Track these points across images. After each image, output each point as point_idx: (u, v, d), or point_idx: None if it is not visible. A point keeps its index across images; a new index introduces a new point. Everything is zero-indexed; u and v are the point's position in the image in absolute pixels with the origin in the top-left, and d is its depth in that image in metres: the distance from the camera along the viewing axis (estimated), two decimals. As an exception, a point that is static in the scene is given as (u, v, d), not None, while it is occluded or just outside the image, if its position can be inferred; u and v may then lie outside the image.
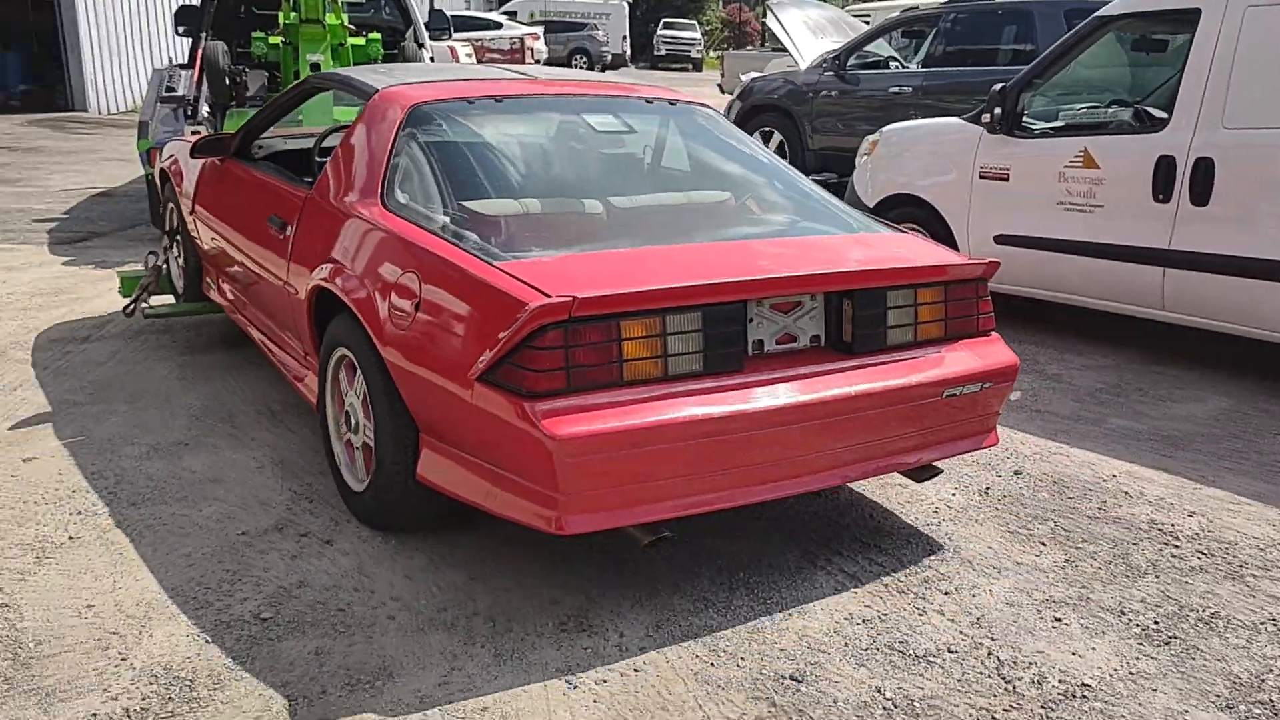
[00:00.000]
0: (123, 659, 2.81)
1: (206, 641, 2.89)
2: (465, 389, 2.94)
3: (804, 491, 3.23)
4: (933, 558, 3.44)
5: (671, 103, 4.51)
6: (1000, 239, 5.88)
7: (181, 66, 8.79)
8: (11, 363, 5.37)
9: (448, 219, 3.45)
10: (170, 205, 6.09)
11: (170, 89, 8.34)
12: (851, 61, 10.28)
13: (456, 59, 21.58)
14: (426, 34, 10.10)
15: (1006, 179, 5.85)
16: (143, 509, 3.70)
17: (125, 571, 3.27)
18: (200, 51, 8.36)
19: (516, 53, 24.78)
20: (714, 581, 3.26)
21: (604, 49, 34.58)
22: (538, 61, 27.45)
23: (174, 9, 11.65)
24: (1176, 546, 3.53)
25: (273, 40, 8.17)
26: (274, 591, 3.16)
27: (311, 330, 3.92)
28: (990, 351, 3.51)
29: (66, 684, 2.70)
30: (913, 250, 3.62)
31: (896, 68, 10.56)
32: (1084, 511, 3.80)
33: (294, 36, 7.95)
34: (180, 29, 9.15)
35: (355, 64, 8.11)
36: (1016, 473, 4.16)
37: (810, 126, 10.39)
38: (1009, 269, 5.89)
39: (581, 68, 33.96)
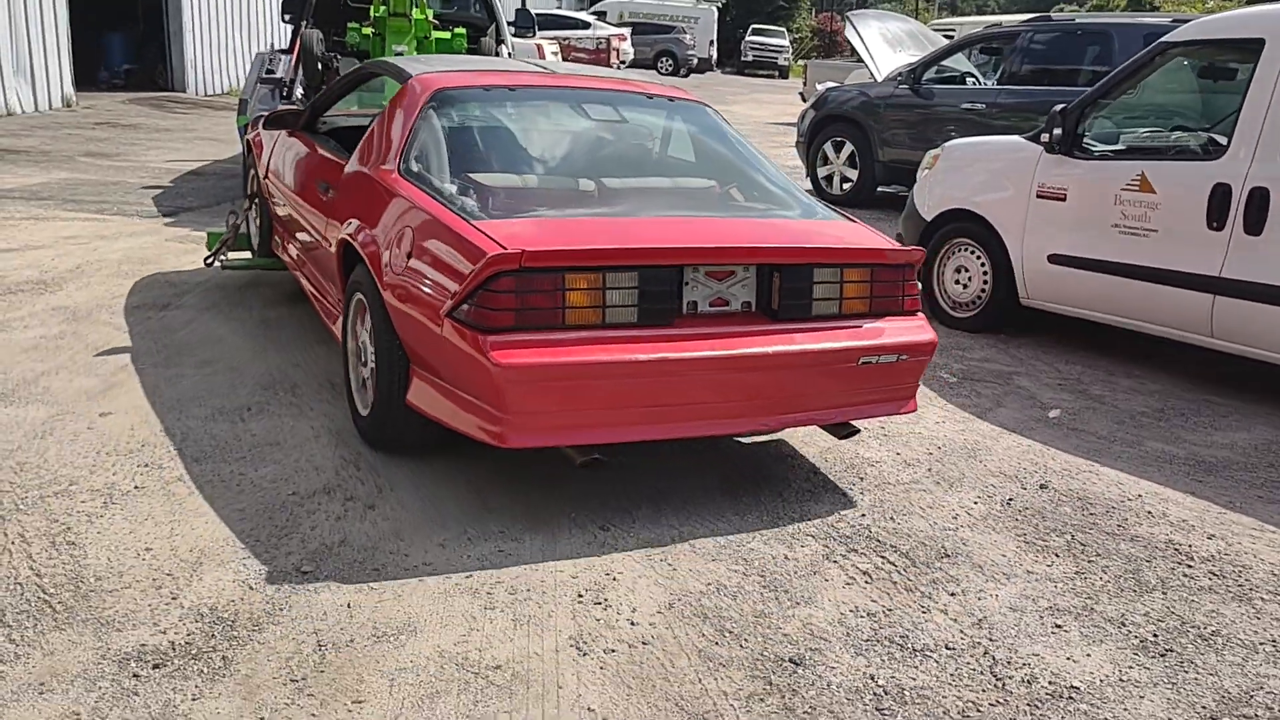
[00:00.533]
0: (173, 598, 3.05)
1: (250, 588, 3.12)
2: (438, 325, 3.54)
3: (724, 434, 3.91)
4: (946, 560, 3.55)
5: (671, 99, 5.04)
6: (1054, 259, 5.92)
7: (282, 51, 9.61)
8: (97, 325, 5.70)
9: (452, 187, 4.03)
10: (252, 172, 6.81)
11: (270, 71, 9.19)
12: (927, 76, 10.32)
13: (543, 56, 21.92)
14: (509, 31, 10.68)
15: (1063, 199, 5.89)
16: (205, 465, 3.96)
17: (183, 520, 3.52)
18: (298, 38, 8.94)
19: (602, 52, 25.08)
20: (730, 569, 3.41)
21: (690, 53, 34.74)
22: (623, 63, 27.73)
23: None
24: (1189, 566, 3.59)
25: (365, 31, 8.75)
26: (317, 548, 3.39)
27: (340, 278, 4.52)
28: (910, 328, 3.98)
29: (122, 617, 2.94)
30: (850, 235, 4.09)
31: (973, 84, 10.58)
32: (1103, 527, 3.87)
33: (383, 28, 8.53)
34: (285, 16, 9.99)
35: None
36: (1042, 486, 4.23)
37: (881, 139, 10.45)
38: (1062, 289, 5.94)
39: (666, 71, 34.19)
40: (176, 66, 19.30)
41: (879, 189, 10.91)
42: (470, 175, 4.17)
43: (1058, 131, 5.85)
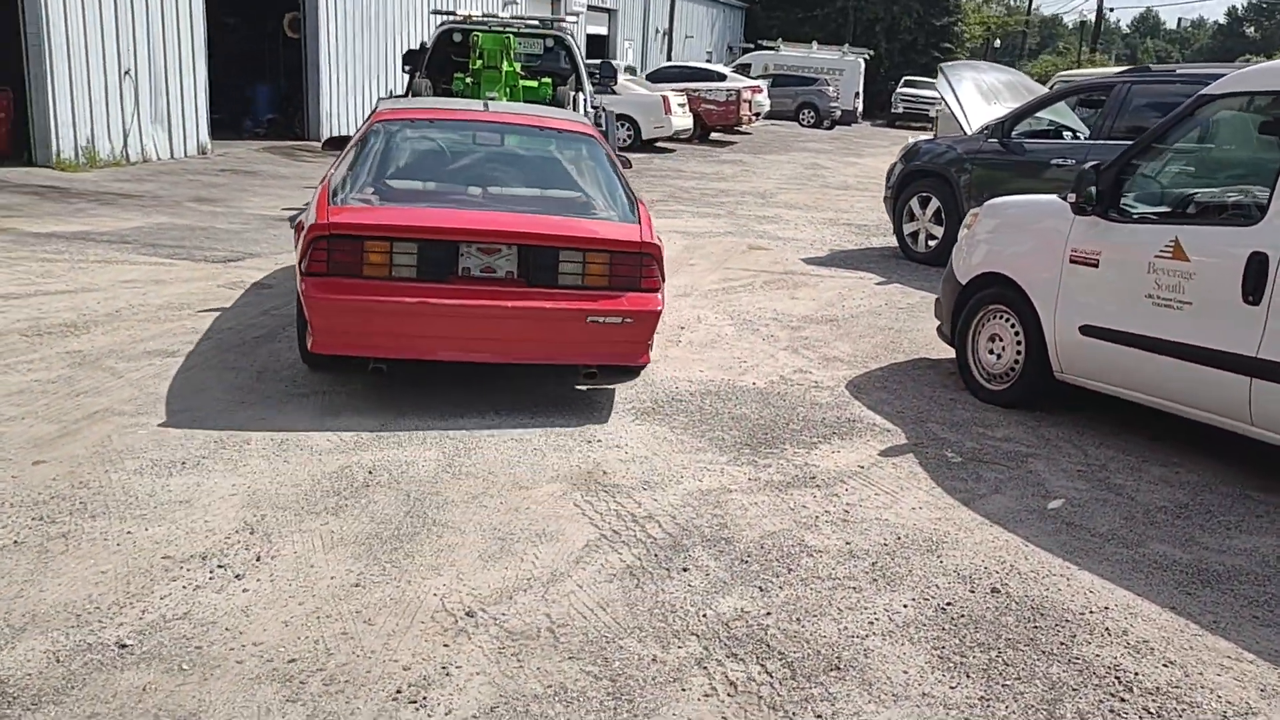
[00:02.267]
0: (-28, 667, 2.93)
1: (57, 661, 2.98)
2: (300, 279, 5.15)
3: (480, 361, 5.38)
4: (833, 675, 3.13)
5: (559, 131, 6.49)
6: (1086, 330, 5.36)
7: (399, 97, 11.41)
8: (97, 370, 5.78)
9: (366, 185, 5.63)
10: None
11: None
12: (1020, 129, 9.73)
13: (668, 108, 22.01)
14: (588, 81, 11.85)
15: (1096, 265, 5.33)
16: (99, 521, 3.88)
17: (37, 581, 3.42)
18: (410, 86, 11.15)
19: (732, 105, 24.91)
20: (584, 669, 3.08)
21: (833, 104, 34.29)
22: (757, 115, 27.55)
23: (402, 52, 16.23)
24: (1122, 700, 3.06)
25: (466, 79, 10.81)
26: (153, 620, 3.23)
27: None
28: (639, 300, 5.25)
29: (-88, 683, 2.83)
30: (604, 230, 5.42)
31: (1070, 138, 9.92)
32: (1042, 645, 3.36)
33: (479, 77, 10.67)
34: (405, 67, 12.36)
35: (526, 102, 10.60)
36: (994, 591, 3.74)
37: (966, 195, 9.88)
38: (1094, 363, 5.38)
39: (807, 123, 33.83)
40: (312, 116, 20.10)
41: (965, 247, 10.30)
42: (387, 180, 5.77)
43: (1091, 190, 5.31)
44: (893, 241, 11.27)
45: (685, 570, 3.77)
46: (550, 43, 12.56)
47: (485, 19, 12.41)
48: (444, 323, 5.13)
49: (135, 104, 15.43)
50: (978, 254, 6.15)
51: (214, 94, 17.43)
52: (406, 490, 4.35)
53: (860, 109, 38.43)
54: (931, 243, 10.38)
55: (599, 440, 5.07)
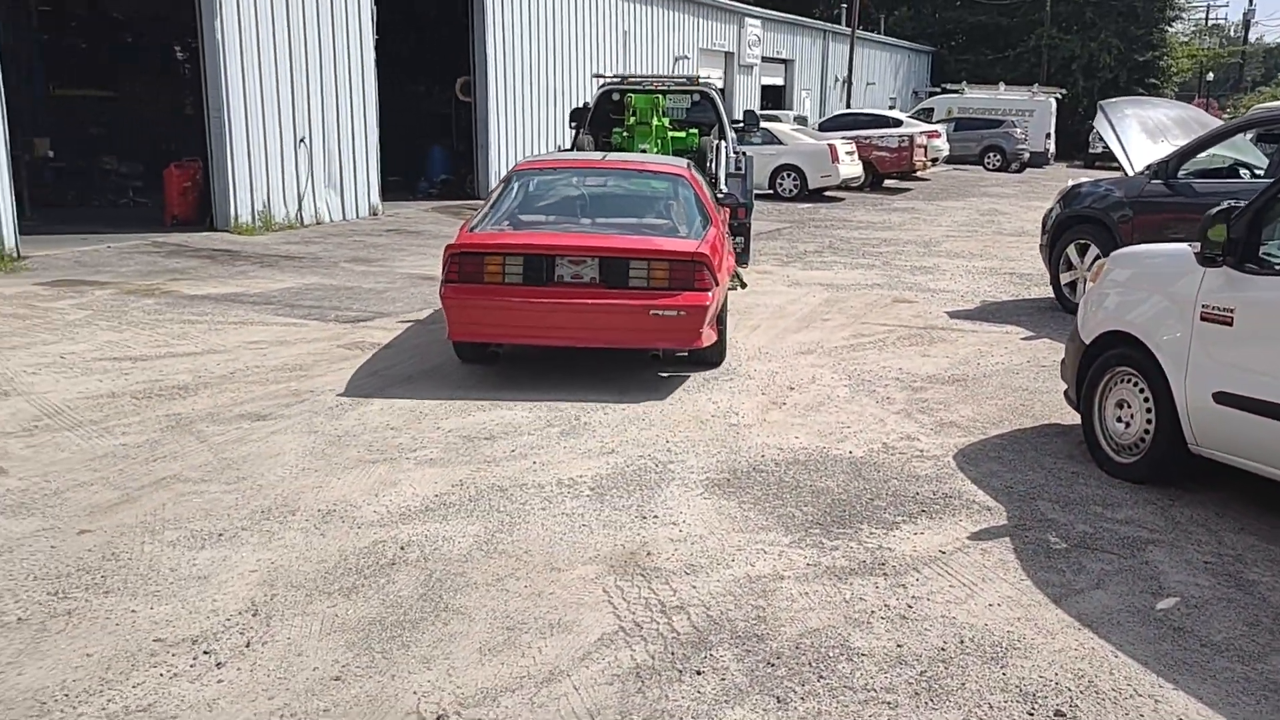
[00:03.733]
0: (-85, 756, 2.85)
1: (-3, 754, 2.86)
2: (440, 287, 6.93)
3: (568, 345, 7.11)
4: (826, 817, 2.66)
5: (655, 172, 8.25)
6: (1221, 397, 4.65)
7: (565, 150, 13.34)
8: (185, 435, 5.86)
9: (502, 218, 7.49)
10: None
11: None
12: (1187, 168, 8.85)
13: (836, 156, 21.54)
14: (731, 130, 12.99)
15: (1230, 323, 4.63)
16: (110, 598, 3.81)
17: (22, 661, 3.35)
18: (576, 140, 12.82)
19: (904, 150, 24.13)
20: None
21: (1020, 147, 32.81)
22: (934, 160, 26.65)
23: (565, 112, 19.38)
24: None
25: (622, 133, 12.26)
26: (114, 712, 3.09)
27: None
28: (692, 298, 6.69)
29: None
30: (667, 245, 6.94)
31: (1249, 176, 8.96)
32: (1097, 792, 2.79)
33: (633, 131, 12.04)
34: (572, 123, 14.03)
35: (674, 152, 11.81)
36: (1058, 714, 3.17)
37: (1127, 242, 9.01)
38: (1231, 435, 4.67)
39: (993, 167, 32.52)
40: (482, 175, 20.65)
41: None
42: (519, 215, 7.60)
43: (1221, 238, 4.63)
44: (1051, 292, 10.45)
45: (699, 673, 3.37)
46: (697, 97, 13.88)
47: (640, 79, 14.07)
48: (543, 316, 6.76)
49: (309, 169, 16.18)
50: (1103, 310, 5.49)
51: (391, 156, 18.14)
52: (431, 570, 4.12)
53: (1053, 150, 36.65)
54: (1091, 293, 9.53)
55: (655, 515, 4.72)
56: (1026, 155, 33.50)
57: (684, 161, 9.02)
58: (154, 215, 16.06)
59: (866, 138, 23.96)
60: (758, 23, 31.53)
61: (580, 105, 15.85)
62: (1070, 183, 10.50)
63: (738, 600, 3.90)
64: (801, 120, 27.56)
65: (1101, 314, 5.47)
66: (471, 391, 6.81)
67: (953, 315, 9.77)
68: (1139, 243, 8.79)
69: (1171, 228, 8.71)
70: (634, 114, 12.34)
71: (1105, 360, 5.43)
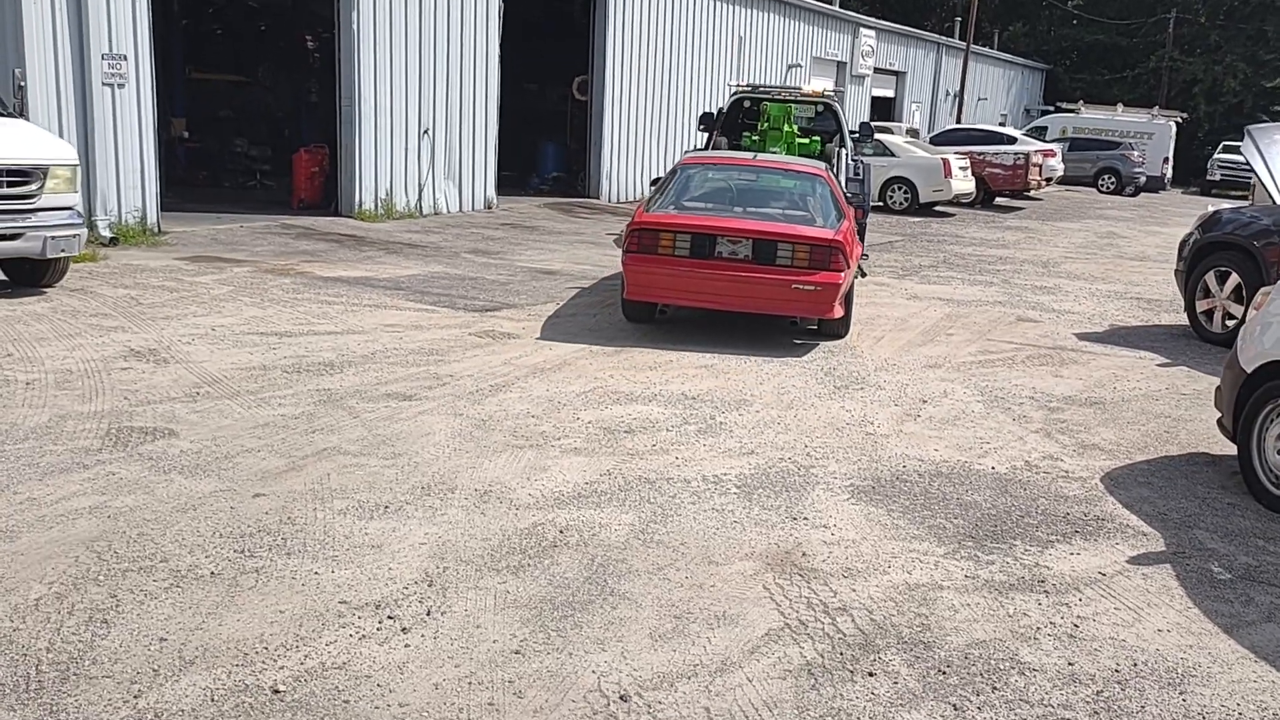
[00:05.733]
0: (136, 697, 3.01)
1: (210, 700, 3.01)
2: (622, 256, 8.47)
3: (726, 309, 8.44)
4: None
5: (799, 172, 9.50)
6: (1400, 435, 4.52)
7: (700, 150, 13.88)
8: (338, 408, 6.06)
9: (669, 203, 8.84)
10: None
11: None
12: (1344, 199, 8.57)
13: (949, 171, 21.31)
14: (850, 139, 13.89)
15: None
16: (293, 559, 3.97)
17: (220, 614, 3.51)
18: (712, 143, 13.93)
19: (1020, 169, 23.72)
20: None
21: (1137, 170, 32.00)
22: (1048, 180, 26.14)
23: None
24: None
25: (754, 138, 13.48)
26: (312, 667, 3.22)
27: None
28: (827, 276, 8.05)
29: (74, 708, 2.93)
30: (809, 232, 8.24)
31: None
32: (1297, 823, 2.75)
33: (765, 136, 13.28)
34: (700, 127, 15.03)
35: (801, 155, 12.57)
36: (1245, 745, 3.12)
37: (1276, 271, 8.78)
38: None
39: (1106, 190, 31.79)
40: (594, 175, 20.84)
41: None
42: (683, 201, 8.95)
43: None
44: (1184, 319, 10.21)
45: (871, 675, 3.39)
46: (821, 108, 14.91)
47: (769, 89, 15.11)
48: (705, 283, 8.15)
49: (431, 161, 16.52)
50: (1269, 338, 5.36)
51: (505, 152, 18.43)
52: (593, 554, 4.21)
53: (1169, 175, 35.68)
54: (1230, 322, 9.29)
55: (805, 518, 4.74)
56: (1143, 179, 32.65)
57: (821, 164, 10.30)
58: (281, 198, 16.57)
59: (980, 154, 23.61)
60: (871, 33, 31.28)
61: (707, 111, 16.58)
62: (1210, 208, 10.25)
63: (899, 606, 3.91)
64: (914, 133, 27.25)
65: (1266, 343, 5.34)
66: (604, 384, 6.91)
67: (1081, 337, 9.60)
68: (1286, 273, 8.58)
69: (1322, 259, 8.48)
70: (768, 120, 13.51)
71: (1268, 390, 5.30)
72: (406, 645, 3.39)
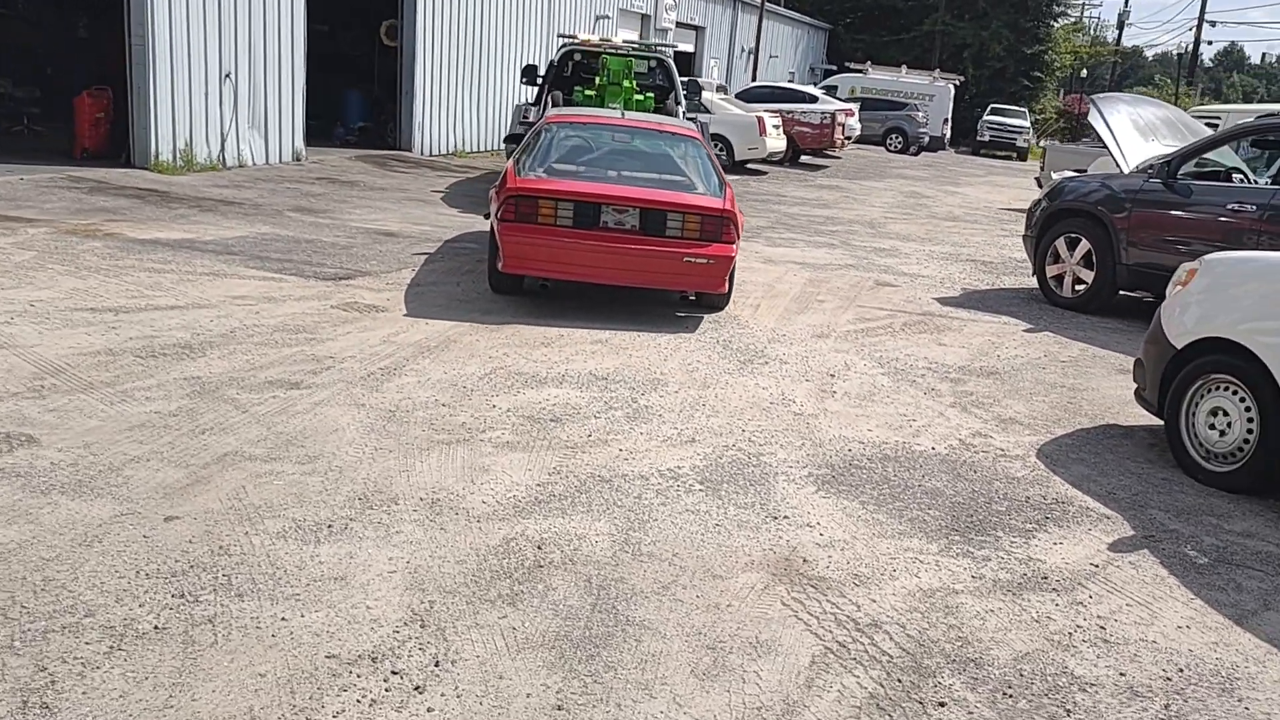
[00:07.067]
0: (122, 811, 2.38)
1: (221, 806, 2.41)
2: (496, 222, 7.62)
3: (611, 283, 7.83)
4: None
5: (672, 133, 9.02)
6: (1347, 414, 4.64)
7: (530, 104, 14.55)
8: (218, 401, 5.29)
9: (539, 166, 8.07)
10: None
11: (525, 117, 13.76)
12: (1185, 169, 8.97)
13: (764, 128, 21.43)
14: (683, 96, 14.38)
15: (1363, 339, 4.61)
16: (247, 602, 3.33)
17: (189, 685, 2.87)
18: (548, 96, 13.55)
19: (826, 128, 24.22)
20: None
21: (921, 130, 33.44)
22: (849, 139, 26.81)
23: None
24: None
25: (588, 93, 13.21)
26: (328, 747, 2.66)
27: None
28: (720, 249, 7.60)
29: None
30: (698, 200, 7.78)
31: (1240, 181, 9.15)
32: None
33: (603, 92, 12.95)
34: (524, 80, 14.74)
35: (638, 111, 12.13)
36: (1328, 755, 3.05)
37: (1126, 239, 9.13)
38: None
39: (895, 149, 33.04)
40: (405, 127, 19.74)
41: (1120, 293, 9.56)
42: (553, 164, 8.18)
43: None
44: (1025, 282, 10.56)
45: (942, 704, 3.13)
46: (653, 64, 14.67)
47: (600, 43, 14.71)
48: (589, 256, 7.52)
49: (234, 109, 15.14)
50: (1196, 316, 5.44)
51: (308, 100, 17.13)
52: (585, 575, 3.76)
53: (948, 135, 37.50)
54: (1079, 287, 9.63)
55: (785, 516, 4.44)
56: (926, 139, 34.19)
57: (691, 124, 10.05)
58: (58, 146, 14.77)
59: (789, 112, 23.91)
60: (674, -14, 31.14)
61: (530, 64, 16.04)
62: (1055, 175, 10.58)
63: (927, 618, 3.67)
64: (722, 90, 27.31)
65: (1196, 320, 5.42)
66: (502, 364, 6.38)
67: (942, 302, 9.73)
68: (1141, 241, 8.94)
69: (1172, 227, 8.88)
70: (607, 75, 13.14)
71: (1198, 366, 5.38)
72: (429, 710, 2.87)
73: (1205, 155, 9.18)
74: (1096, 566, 4.24)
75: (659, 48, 14.93)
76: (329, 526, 3.95)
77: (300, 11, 16.20)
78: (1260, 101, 74.02)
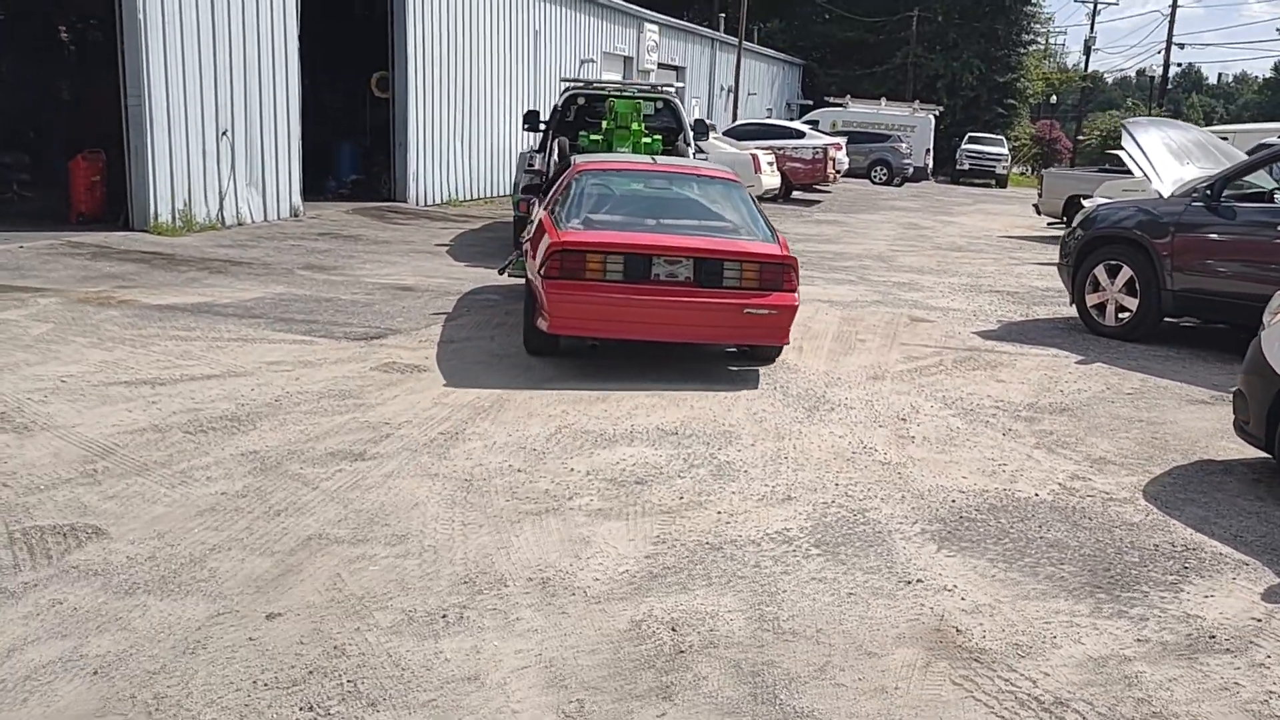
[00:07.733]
0: None
1: None
2: (539, 280, 7.03)
3: (666, 340, 7.31)
4: None
5: (709, 177, 8.58)
6: None
7: (535, 151, 13.98)
8: (284, 478, 4.96)
9: (576, 218, 7.53)
10: (524, 228, 9.60)
11: (531, 164, 13.29)
12: (1227, 192, 8.82)
13: (759, 165, 21.34)
14: (692, 136, 13.98)
15: None
16: (383, 713, 3.01)
17: (345, 820, 2.54)
18: (554, 142, 12.61)
19: (819, 162, 24.18)
20: None
21: (905, 161, 33.53)
22: (839, 172, 26.78)
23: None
24: None
25: (595, 137, 12.52)
26: None
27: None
28: (782, 298, 7.05)
29: None
30: (753, 248, 7.23)
31: (1281, 202, 9.01)
32: None
33: (610, 136, 12.33)
34: (526, 126, 14.46)
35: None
36: None
37: (1171, 264, 8.95)
38: None
39: (880, 180, 33.09)
40: (399, 178, 19.47)
41: (1165, 320, 9.37)
42: (589, 215, 7.62)
43: None
44: (1060, 312, 10.38)
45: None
46: (660, 105, 14.31)
47: (603, 85, 14.44)
48: (643, 312, 6.95)
49: (232, 166, 14.84)
50: (1303, 345, 5.22)
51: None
52: (732, 659, 3.45)
53: (931, 165, 37.66)
54: (1123, 315, 9.43)
55: (919, 580, 4.15)
56: (910, 170, 34.30)
57: (726, 168, 9.40)
58: (51, 211, 14.35)
59: (780, 148, 23.85)
60: (655, 28, 31.17)
61: (532, 109, 16.05)
62: (1085, 204, 10.44)
63: (1109, 691, 3.38)
64: (712, 128, 27.24)
65: (1303, 349, 5.20)
66: (564, 422, 6.08)
67: (984, 336, 9.51)
68: (1187, 266, 8.76)
69: (1219, 251, 8.71)
70: (614, 118, 12.50)
71: (1311, 401, 5.16)
72: (620, 835, 2.55)
73: (1245, 178, 9.05)
74: (1259, 620, 3.97)
75: (664, 87, 14.51)
76: (443, 617, 3.63)
77: (294, 65, 15.99)
78: (1221, 121, 75.16)
